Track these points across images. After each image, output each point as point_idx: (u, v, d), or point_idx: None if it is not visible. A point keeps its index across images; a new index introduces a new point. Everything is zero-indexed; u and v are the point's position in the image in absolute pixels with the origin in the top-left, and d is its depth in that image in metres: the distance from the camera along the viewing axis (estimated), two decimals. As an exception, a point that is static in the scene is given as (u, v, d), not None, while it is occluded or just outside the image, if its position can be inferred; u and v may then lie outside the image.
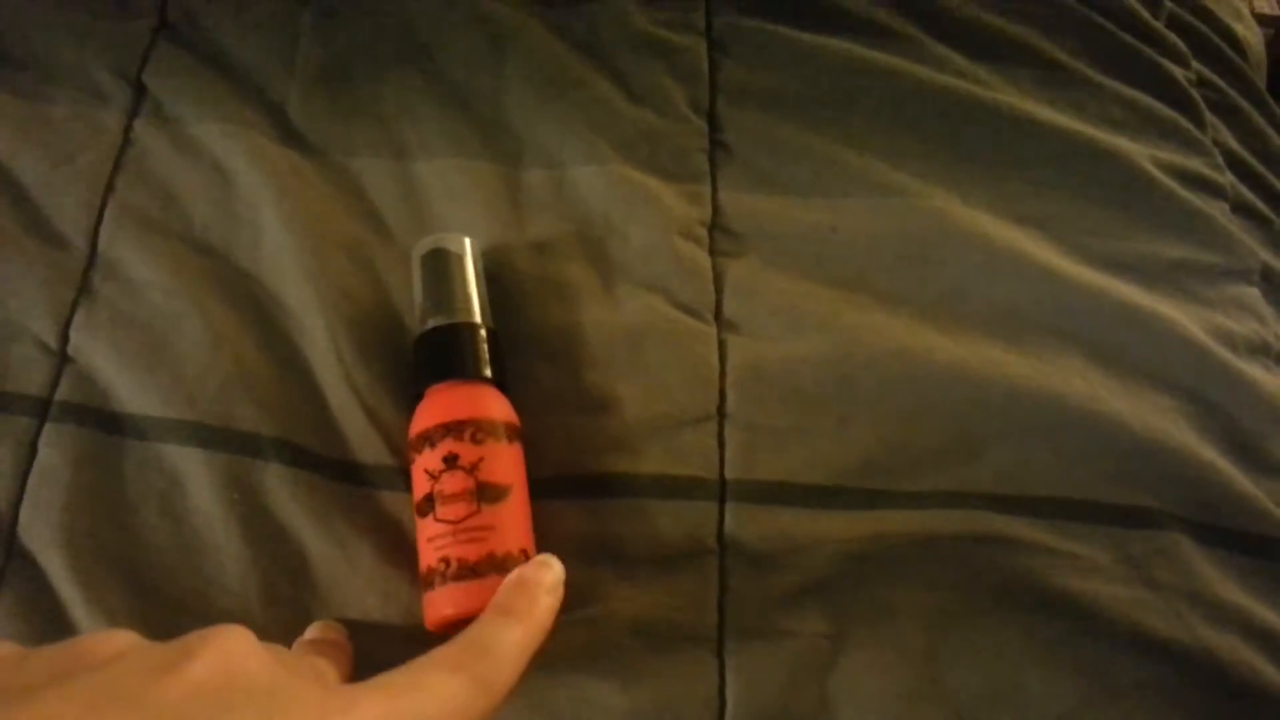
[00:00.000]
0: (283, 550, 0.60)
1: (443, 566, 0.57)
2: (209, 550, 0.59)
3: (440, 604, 0.57)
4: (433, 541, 0.58)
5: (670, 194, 0.74)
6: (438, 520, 0.58)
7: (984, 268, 0.73)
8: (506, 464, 0.59)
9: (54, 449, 0.61)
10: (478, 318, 0.64)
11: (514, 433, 0.61)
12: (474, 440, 0.59)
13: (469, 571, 0.56)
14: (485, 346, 0.63)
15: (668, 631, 0.60)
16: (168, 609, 0.58)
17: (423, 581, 0.58)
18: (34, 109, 0.72)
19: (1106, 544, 0.64)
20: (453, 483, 0.58)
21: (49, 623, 0.57)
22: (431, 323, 0.64)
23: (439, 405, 0.61)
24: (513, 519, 0.58)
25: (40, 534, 0.59)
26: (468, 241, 0.67)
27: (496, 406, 0.61)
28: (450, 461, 0.59)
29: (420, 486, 0.59)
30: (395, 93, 0.76)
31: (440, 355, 0.63)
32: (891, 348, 0.69)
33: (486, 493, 0.58)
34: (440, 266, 0.66)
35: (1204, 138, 0.84)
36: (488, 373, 0.63)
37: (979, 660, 0.60)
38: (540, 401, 0.65)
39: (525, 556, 0.58)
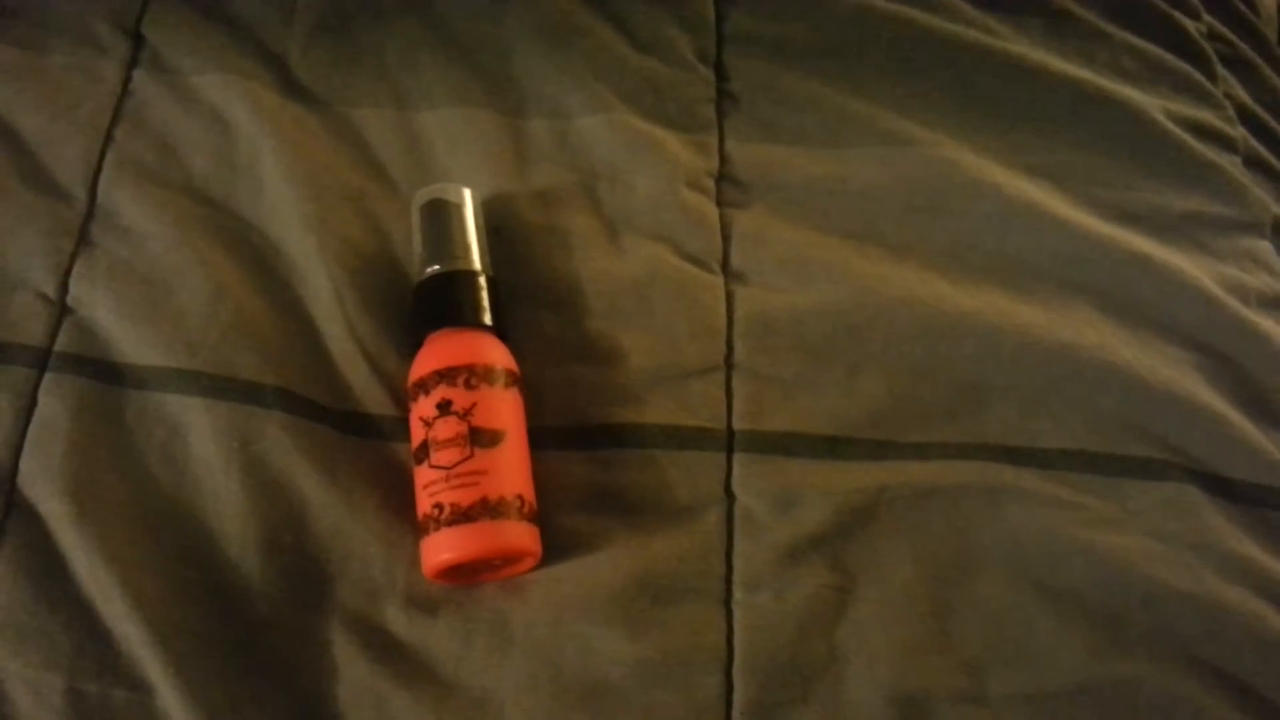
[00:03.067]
0: (284, 499, 0.59)
1: (436, 512, 0.57)
2: (210, 499, 0.59)
3: (435, 550, 0.57)
4: (428, 488, 0.58)
5: (677, 144, 0.73)
6: (432, 466, 0.58)
7: (994, 218, 0.72)
8: (502, 409, 0.59)
9: (54, 399, 0.61)
10: (476, 265, 0.64)
11: (512, 379, 0.61)
12: (468, 386, 0.59)
13: (462, 516, 0.56)
14: (483, 293, 0.63)
15: (675, 582, 0.60)
16: (169, 558, 0.57)
17: (419, 529, 0.58)
18: (31, 59, 0.72)
19: (1116, 495, 0.63)
20: (446, 428, 0.58)
21: (49, 572, 0.56)
22: (429, 271, 0.63)
23: (435, 352, 0.61)
24: (508, 464, 0.58)
25: (41, 484, 0.58)
26: (467, 191, 0.67)
27: (493, 352, 0.61)
28: (443, 408, 0.58)
29: (416, 434, 0.59)
30: (396, 43, 0.75)
31: (437, 302, 0.63)
32: (901, 298, 0.68)
33: (480, 437, 0.58)
34: (439, 216, 0.66)
35: (1216, 90, 0.83)
36: (485, 319, 0.62)
37: (987, 612, 0.60)
38: (545, 352, 0.65)
39: (521, 501, 0.58)
